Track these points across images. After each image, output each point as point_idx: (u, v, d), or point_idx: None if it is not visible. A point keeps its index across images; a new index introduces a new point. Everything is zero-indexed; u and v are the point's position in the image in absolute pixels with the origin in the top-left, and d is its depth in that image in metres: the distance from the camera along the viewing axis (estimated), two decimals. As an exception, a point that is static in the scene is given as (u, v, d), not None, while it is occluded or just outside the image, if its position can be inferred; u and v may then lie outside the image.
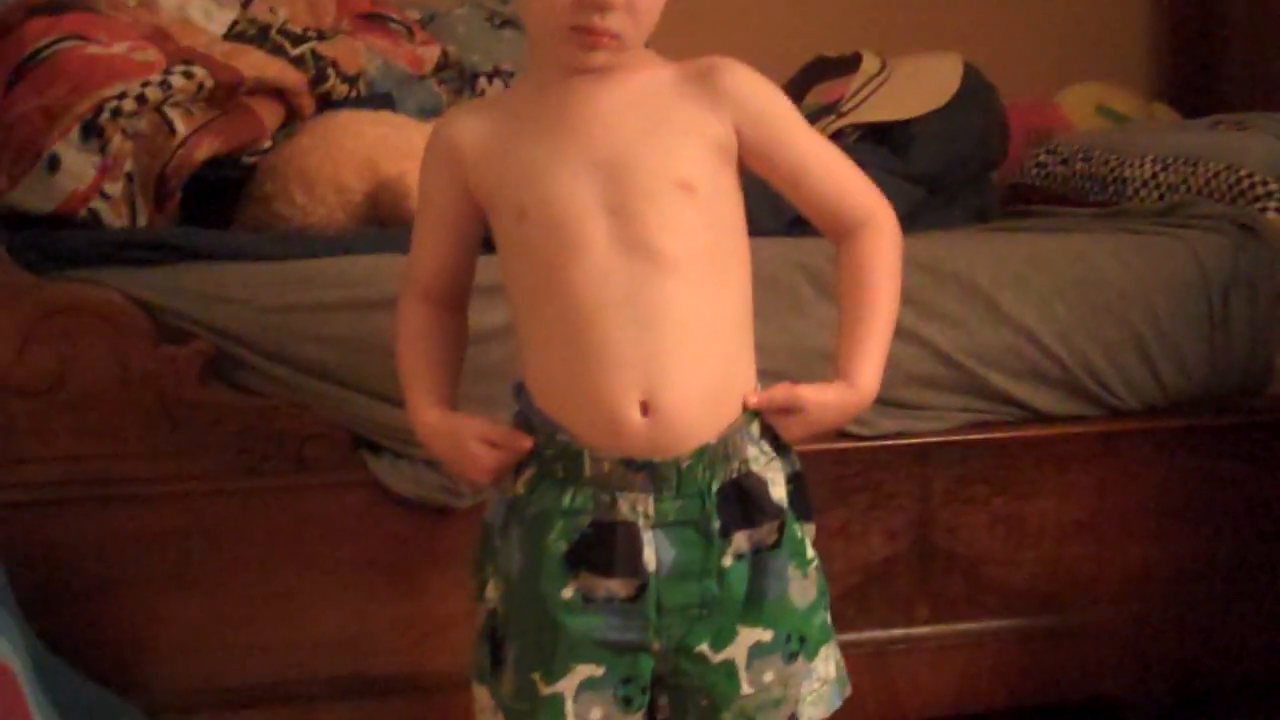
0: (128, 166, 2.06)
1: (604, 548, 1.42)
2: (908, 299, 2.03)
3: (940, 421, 2.11)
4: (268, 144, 2.24)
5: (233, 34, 2.33)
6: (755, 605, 1.46)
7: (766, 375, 1.52)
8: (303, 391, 1.94)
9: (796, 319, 2.04)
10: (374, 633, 2.02)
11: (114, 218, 2.05)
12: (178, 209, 2.15)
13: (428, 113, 2.46)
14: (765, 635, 1.46)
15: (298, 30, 2.38)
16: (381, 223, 2.19)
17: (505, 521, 1.51)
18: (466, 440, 1.52)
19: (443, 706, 2.03)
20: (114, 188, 2.04)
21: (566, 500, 1.44)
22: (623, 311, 1.40)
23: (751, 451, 1.47)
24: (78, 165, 2.02)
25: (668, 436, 1.41)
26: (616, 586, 1.43)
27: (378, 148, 2.22)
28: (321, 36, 2.41)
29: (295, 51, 2.29)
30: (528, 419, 1.49)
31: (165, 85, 2.06)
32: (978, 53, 2.72)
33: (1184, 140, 2.78)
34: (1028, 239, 2.25)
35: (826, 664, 1.54)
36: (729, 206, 1.47)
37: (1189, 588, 2.23)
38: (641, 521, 1.42)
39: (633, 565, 1.42)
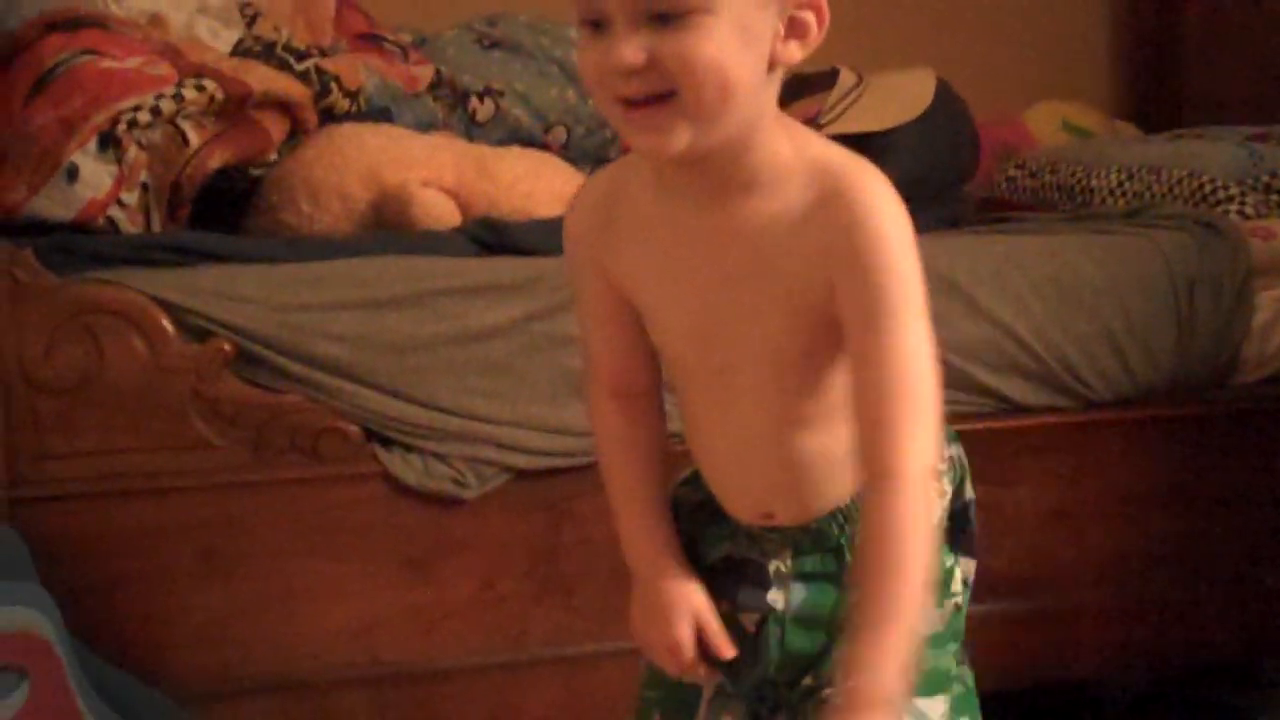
0: (143, 176, 2.14)
1: (733, 579, 1.36)
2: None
3: (923, 412, 2.20)
4: (274, 156, 2.32)
5: (239, 51, 2.42)
6: None
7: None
8: (317, 387, 2.02)
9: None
10: (386, 621, 2.09)
11: (130, 225, 2.13)
12: (188, 218, 2.24)
13: (424, 126, 2.55)
14: None
15: (301, 47, 2.46)
16: (385, 228, 2.27)
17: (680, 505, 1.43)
18: (680, 618, 1.35)
19: (450, 694, 2.11)
20: (130, 196, 2.13)
21: (715, 531, 1.38)
22: (739, 455, 1.32)
23: None
24: (95, 175, 2.10)
25: (797, 519, 1.33)
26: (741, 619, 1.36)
27: (380, 158, 2.31)
28: (323, 54, 2.50)
29: (300, 67, 2.38)
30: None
31: (178, 98, 2.15)
32: (946, 72, 2.81)
33: (1147, 151, 2.89)
34: (1003, 240, 2.35)
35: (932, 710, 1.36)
36: (841, 346, 1.25)
37: (1162, 572, 2.32)
38: (776, 570, 1.34)
39: (757, 601, 1.35)
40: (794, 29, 1.17)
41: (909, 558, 1.19)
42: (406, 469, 2.05)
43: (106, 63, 2.17)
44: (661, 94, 1.14)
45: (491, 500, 2.08)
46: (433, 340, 2.04)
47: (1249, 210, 2.56)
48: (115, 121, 2.11)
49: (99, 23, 2.26)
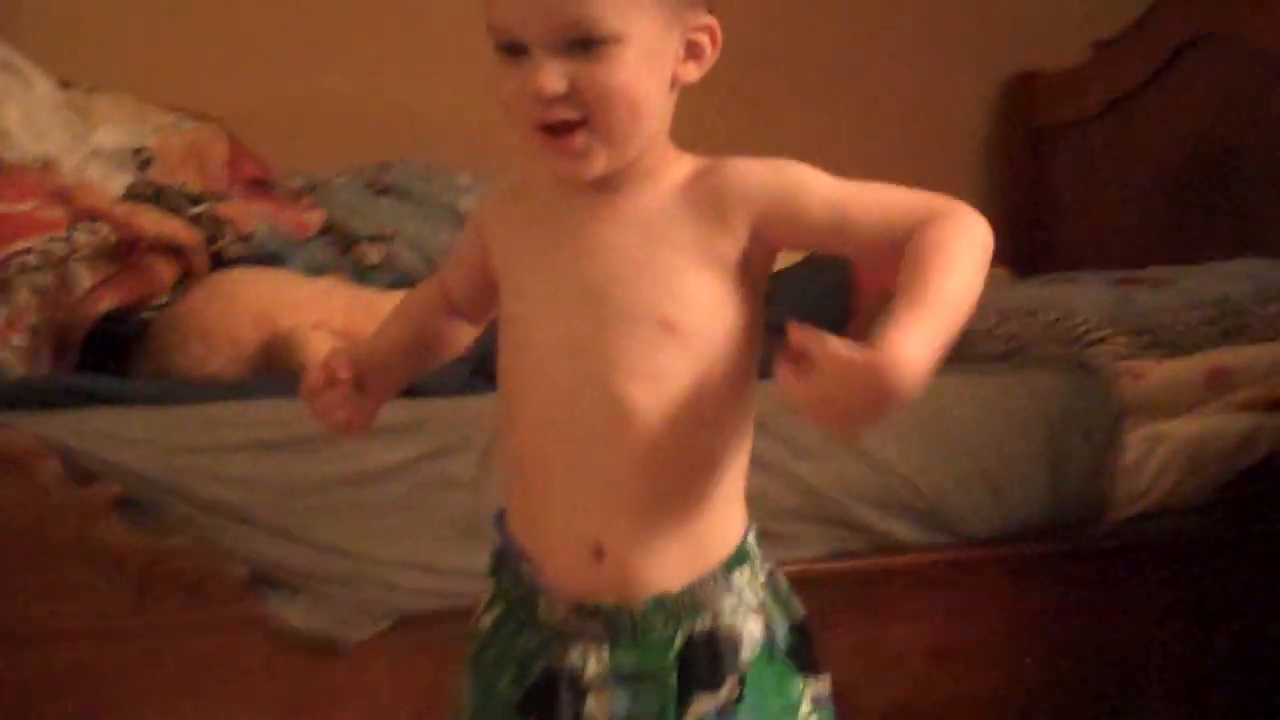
0: (32, 319, 2.15)
1: (549, 696, 1.29)
2: (776, 434, 2.17)
3: (806, 550, 2.23)
4: (164, 299, 2.34)
5: (131, 195, 2.45)
6: None
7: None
8: (204, 530, 2.02)
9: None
10: (270, 769, 2.07)
11: (18, 367, 2.13)
12: (77, 360, 2.24)
13: (315, 271, 2.58)
14: None
15: (193, 192, 2.49)
16: (276, 372, 2.29)
17: (472, 654, 1.40)
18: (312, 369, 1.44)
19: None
20: (18, 339, 2.13)
21: (522, 643, 1.32)
22: (576, 458, 1.27)
23: (728, 602, 1.29)
24: (-16, 317, 2.11)
25: (623, 583, 1.27)
26: None
27: (271, 302, 2.33)
28: (216, 199, 2.53)
29: (192, 211, 2.40)
30: (502, 550, 1.38)
31: (69, 241, 2.16)
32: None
33: (1022, 294, 2.97)
34: (882, 381, 2.40)
35: None
36: (727, 341, 1.26)
37: (1040, 709, 2.35)
38: (593, 669, 1.28)
39: (575, 716, 1.28)
40: (692, 51, 1.26)
41: (958, 259, 1.17)
42: (293, 612, 2.05)
43: (-2, 206, 2.18)
44: (578, 120, 1.21)
45: (378, 644, 2.08)
46: (323, 481, 2.05)
47: (1121, 351, 2.64)
48: (5, 264, 2.12)
49: (-10, 167, 2.28)
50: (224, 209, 2.49)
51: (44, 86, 2.63)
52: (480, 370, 2.25)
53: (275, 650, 2.06)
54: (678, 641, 1.27)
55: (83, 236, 2.19)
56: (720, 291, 1.26)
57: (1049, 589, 2.34)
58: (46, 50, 2.81)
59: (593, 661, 1.28)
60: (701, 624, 1.28)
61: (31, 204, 2.22)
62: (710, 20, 1.27)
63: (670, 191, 1.28)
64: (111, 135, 2.65)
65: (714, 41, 1.27)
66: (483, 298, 1.44)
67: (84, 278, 2.20)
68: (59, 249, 2.16)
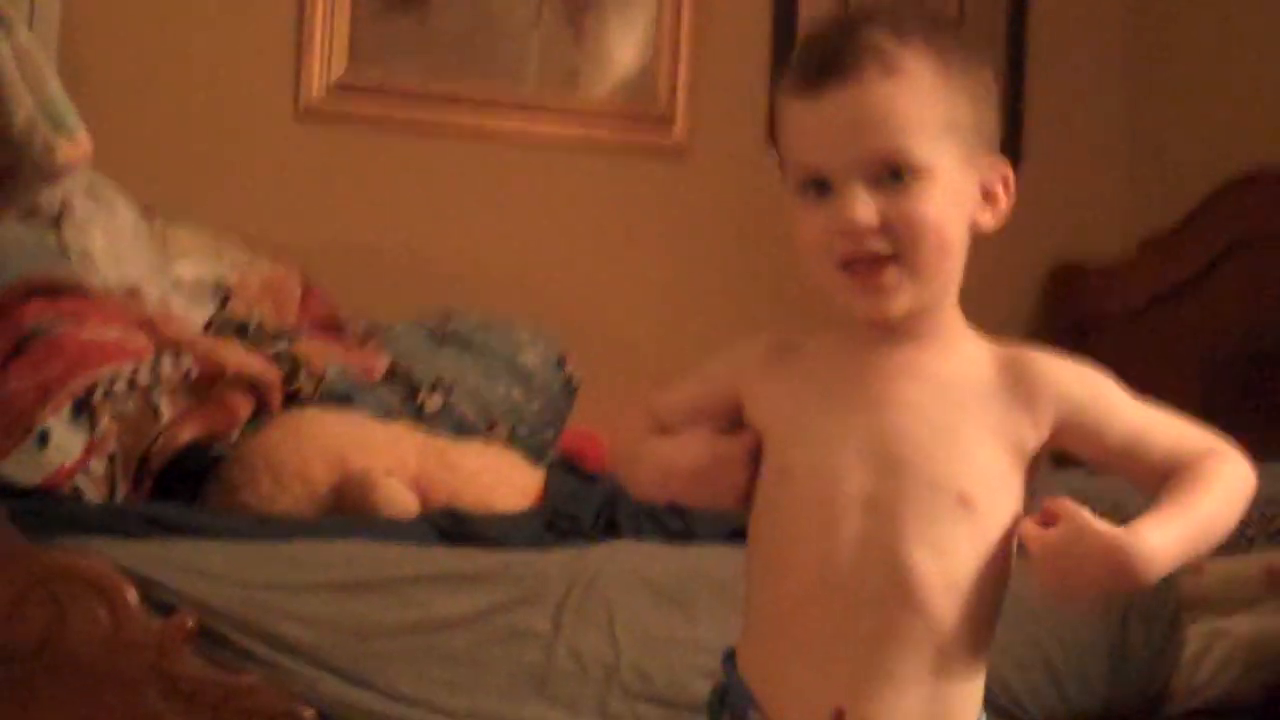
0: (112, 446, 2.16)
1: None
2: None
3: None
4: (236, 434, 2.35)
5: (212, 328, 2.47)
6: None
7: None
8: (276, 668, 2.01)
9: None
10: None
11: (94, 493, 2.14)
12: (150, 490, 2.25)
13: (381, 414, 2.59)
14: None
15: (272, 329, 2.52)
16: (343, 512, 2.29)
17: None
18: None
19: None
20: (98, 465, 2.14)
21: None
22: (840, 616, 1.23)
23: None
24: (67, 441, 2.12)
25: None
26: None
27: (344, 443, 2.34)
28: (292, 337, 2.55)
29: (272, 349, 2.42)
30: (727, 692, 1.31)
31: (155, 371, 2.18)
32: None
33: (1068, 483, 2.95)
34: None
35: None
36: (1007, 524, 1.25)
37: None
38: None
39: None
40: (987, 196, 1.27)
41: (1223, 493, 1.24)
42: (359, 757, 2.03)
43: (86, 331, 2.20)
44: (885, 255, 1.21)
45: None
46: (395, 627, 2.04)
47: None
48: (91, 390, 2.13)
49: (81, 291, 2.30)
50: (300, 348, 2.51)
51: (127, 214, 2.66)
52: (553, 525, 2.27)
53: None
54: None
55: (167, 367, 2.20)
56: (1011, 475, 1.26)
57: (1105, 780, 2.32)
58: (127, 178, 2.84)
59: None
60: None
61: (118, 331, 2.24)
62: (1005, 167, 1.28)
63: (970, 363, 1.28)
64: (191, 267, 2.68)
65: (1007, 190, 1.28)
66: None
67: (165, 408, 2.21)
68: (144, 378, 2.17)
